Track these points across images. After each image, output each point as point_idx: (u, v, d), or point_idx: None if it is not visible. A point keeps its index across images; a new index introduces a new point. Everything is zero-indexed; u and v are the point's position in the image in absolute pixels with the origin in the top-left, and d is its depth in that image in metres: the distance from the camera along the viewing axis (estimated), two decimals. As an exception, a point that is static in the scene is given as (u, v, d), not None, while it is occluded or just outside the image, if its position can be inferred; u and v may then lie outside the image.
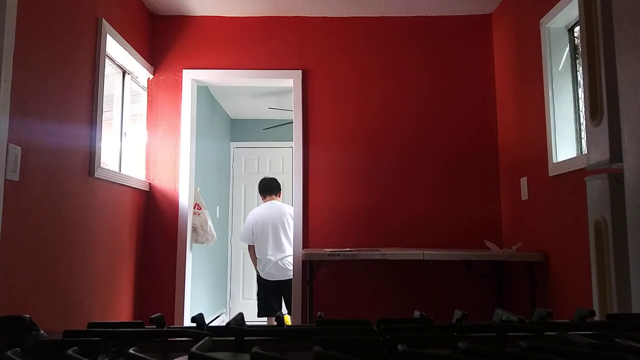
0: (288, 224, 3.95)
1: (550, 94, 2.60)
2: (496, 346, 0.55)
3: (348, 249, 2.97)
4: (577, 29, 2.60)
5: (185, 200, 3.33)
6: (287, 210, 4.01)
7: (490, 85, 3.44)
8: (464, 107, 3.43)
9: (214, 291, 5.28)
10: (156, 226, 3.31)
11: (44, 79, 2.07)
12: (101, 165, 2.61)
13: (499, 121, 3.37)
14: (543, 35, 2.67)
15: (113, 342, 0.52)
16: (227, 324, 0.58)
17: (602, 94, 1.09)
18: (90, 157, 2.48)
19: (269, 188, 4.12)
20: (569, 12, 2.49)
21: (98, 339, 0.47)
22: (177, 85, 3.43)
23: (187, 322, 3.26)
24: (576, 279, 2.36)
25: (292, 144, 3.46)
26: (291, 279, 3.78)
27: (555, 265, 2.57)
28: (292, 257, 3.68)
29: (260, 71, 3.46)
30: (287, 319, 3.74)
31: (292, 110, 3.51)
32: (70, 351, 0.42)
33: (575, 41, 2.62)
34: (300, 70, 3.45)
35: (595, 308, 1.26)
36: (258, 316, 3.98)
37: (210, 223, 3.72)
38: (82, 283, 2.41)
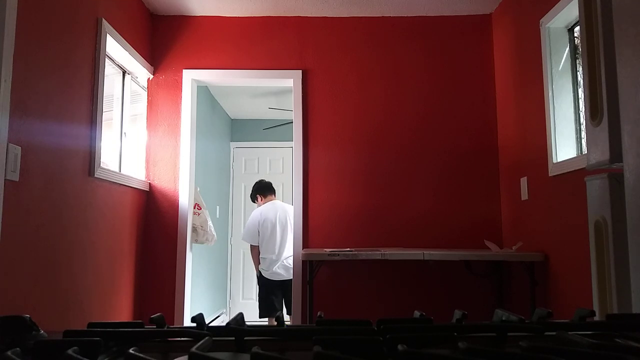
0: (291, 223, 3.90)
1: (550, 94, 2.60)
2: (496, 346, 0.55)
3: (348, 249, 2.97)
4: (577, 29, 2.60)
5: (185, 200, 3.33)
6: (289, 209, 3.98)
7: (490, 85, 3.44)
8: (464, 107, 3.43)
9: (214, 291, 5.28)
10: (156, 226, 3.31)
11: (44, 79, 2.07)
12: (101, 165, 2.61)
13: (499, 121, 3.37)
14: (543, 35, 2.67)
15: (113, 342, 0.52)
16: (227, 324, 0.58)
17: (602, 94, 1.09)
18: (90, 157, 2.48)
19: (268, 188, 4.11)
20: (569, 12, 2.49)
21: (98, 339, 0.47)
22: (177, 85, 3.43)
23: (187, 322, 3.25)
24: (576, 279, 2.36)
25: (292, 144, 3.46)
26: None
27: (555, 265, 2.57)
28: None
29: (260, 71, 3.46)
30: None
31: (292, 110, 3.51)
32: (70, 351, 0.42)
33: (575, 41, 2.62)
34: (300, 70, 3.45)
35: (595, 308, 1.26)
36: (260, 317, 3.95)
37: (210, 223, 3.72)
38: (82, 283, 2.41)
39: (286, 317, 3.87)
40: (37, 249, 2.01)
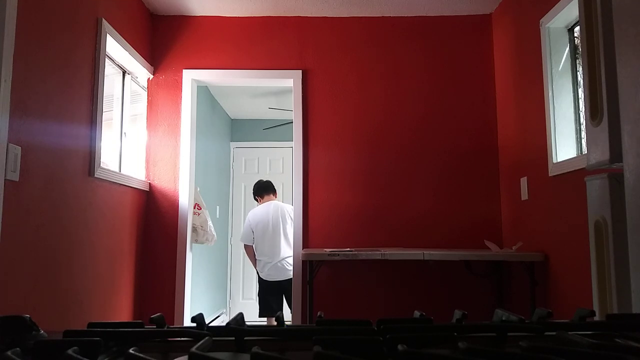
0: (288, 223, 3.92)
1: (550, 94, 2.60)
2: (496, 346, 0.55)
3: (348, 249, 2.97)
4: (577, 29, 2.60)
5: (185, 200, 3.33)
6: (287, 209, 3.98)
7: (490, 85, 3.44)
8: (464, 107, 3.43)
9: (214, 291, 5.28)
10: (156, 226, 3.31)
11: (44, 79, 2.07)
12: (101, 165, 2.61)
13: (499, 121, 3.37)
14: (543, 35, 2.67)
15: (113, 342, 0.52)
16: (227, 324, 0.58)
17: (602, 94, 1.09)
18: (90, 157, 2.48)
19: (266, 188, 4.08)
20: (569, 12, 2.49)
21: (98, 339, 0.47)
22: (177, 85, 3.43)
23: (187, 322, 3.25)
24: (576, 279, 2.36)
25: (292, 144, 3.46)
26: (291, 278, 3.79)
27: (555, 265, 2.57)
28: (292, 257, 3.66)
29: (260, 71, 3.46)
30: None
31: (292, 110, 3.51)
32: (70, 351, 0.42)
33: (575, 41, 2.62)
34: (300, 70, 3.45)
35: (595, 308, 1.26)
36: (259, 316, 3.96)
37: (210, 223, 3.72)
38: (82, 283, 2.41)
39: (288, 316, 3.83)
40: (37, 249, 2.01)
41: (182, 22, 3.48)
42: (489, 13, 3.49)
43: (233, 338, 0.55)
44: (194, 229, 3.55)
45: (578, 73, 2.59)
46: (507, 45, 3.21)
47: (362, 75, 3.46)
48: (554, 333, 0.57)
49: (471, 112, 3.42)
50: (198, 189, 3.75)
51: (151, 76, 3.41)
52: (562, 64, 2.62)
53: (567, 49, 2.63)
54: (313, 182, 3.37)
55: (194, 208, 3.57)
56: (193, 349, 0.42)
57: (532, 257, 2.68)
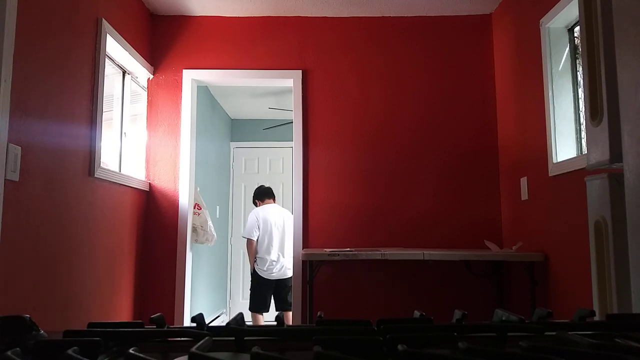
0: (288, 226, 4.08)
1: (550, 94, 2.60)
2: (496, 346, 0.55)
3: (348, 249, 2.97)
4: (577, 29, 2.60)
5: (185, 200, 3.33)
6: (287, 214, 4.15)
7: (490, 85, 3.44)
8: (464, 107, 3.43)
9: (214, 291, 5.28)
10: (156, 226, 3.31)
11: (44, 79, 2.07)
12: (101, 165, 2.61)
13: (499, 121, 3.38)
14: (543, 35, 2.67)
15: (113, 342, 0.52)
16: (227, 324, 0.58)
17: (602, 94, 1.09)
18: (90, 157, 2.48)
19: (265, 193, 4.23)
20: (569, 12, 2.49)
21: (98, 339, 0.47)
22: (177, 85, 3.43)
23: (187, 322, 3.26)
24: (576, 279, 2.36)
25: (292, 144, 3.46)
26: (289, 277, 3.96)
27: (555, 265, 2.57)
28: (291, 258, 3.79)
29: (260, 71, 3.46)
30: (290, 317, 3.86)
31: (292, 110, 3.51)
32: (70, 351, 0.42)
33: (575, 41, 2.62)
34: (300, 70, 3.45)
35: (595, 308, 1.26)
36: (250, 309, 4.05)
37: (210, 223, 3.73)
38: (82, 283, 2.41)
39: (275, 313, 3.93)
40: (37, 249, 2.01)
41: (182, 22, 3.48)
42: (489, 13, 3.49)
43: (233, 338, 0.55)
44: (194, 229, 3.55)
45: (578, 73, 2.59)
46: (507, 45, 3.21)
47: (362, 75, 3.46)
48: (554, 333, 0.57)
49: (471, 112, 3.42)
50: (198, 189, 3.75)
51: (151, 76, 3.41)
52: (562, 64, 2.62)
53: (567, 49, 2.63)
54: (313, 182, 3.37)
55: (194, 208, 3.57)
56: (193, 349, 0.42)
57: (532, 257, 2.68)
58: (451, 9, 3.41)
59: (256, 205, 4.27)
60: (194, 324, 0.58)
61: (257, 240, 4.06)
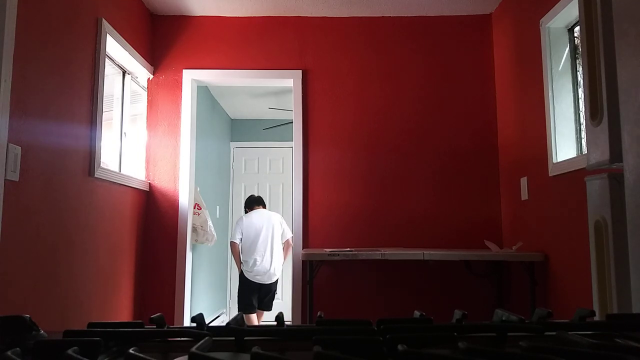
0: (277, 231, 4.15)
1: (550, 94, 2.60)
2: (496, 346, 0.55)
3: (348, 249, 2.97)
4: (577, 29, 2.60)
5: (185, 200, 3.33)
6: (275, 218, 4.20)
7: (490, 85, 3.44)
8: (464, 107, 3.43)
9: (214, 291, 5.28)
10: (156, 226, 3.31)
11: (44, 79, 2.07)
12: (101, 165, 2.61)
13: (499, 121, 3.38)
14: (543, 35, 2.67)
15: (113, 342, 0.52)
16: (227, 324, 0.58)
17: (602, 94, 1.09)
18: (90, 157, 2.48)
19: (256, 201, 4.32)
20: (569, 12, 2.49)
21: (98, 339, 0.47)
22: (177, 85, 3.43)
23: (187, 322, 3.26)
24: (576, 279, 2.36)
25: (292, 144, 3.46)
26: (273, 282, 4.12)
27: (555, 265, 2.57)
28: (275, 261, 4.04)
29: (260, 71, 3.46)
30: (262, 315, 4.16)
31: (292, 110, 3.51)
32: (70, 351, 0.42)
33: (575, 41, 2.62)
34: (300, 70, 3.45)
35: (595, 308, 1.26)
36: (239, 311, 4.04)
37: (210, 223, 3.73)
38: (82, 283, 2.41)
39: (274, 313, 4.10)
40: (37, 249, 2.01)
41: (182, 22, 3.48)
42: (489, 13, 3.49)
43: (233, 338, 0.55)
44: (194, 229, 3.55)
45: (578, 73, 2.59)
46: (507, 45, 3.21)
47: (362, 75, 3.46)
48: (554, 333, 0.57)
49: (471, 112, 3.42)
50: (198, 189, 3.75)
51: (151, 76, 3.41)
52: (562, 64, 2.62)
53: (567, 49, 2.63)
54: (313, 182, 3.37)
55: (194, 208, 3.57)
56: (193, 349, 0.42)
57: (532, 257, 2.68)
58: (451, 9, 3.41)
59: (245, 212, 4.36)
60: (194, 324, 0.58)
61: (241, 243, 4.13)
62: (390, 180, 3.37)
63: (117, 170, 3.02)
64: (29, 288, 1.97)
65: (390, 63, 3.47)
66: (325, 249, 3.03)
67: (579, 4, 1.20)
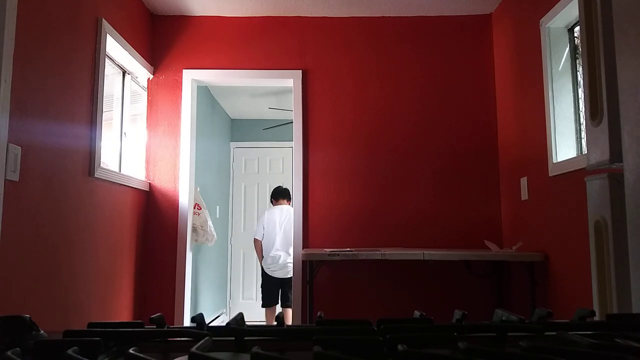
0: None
1: (550, 94, 2.60)
2: (496, 346, 0.55)
3: (348, 249, 2.97)
4: (577, 29, 2.60)
5: (185, 200, 3.33)
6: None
7: (490, 85, 3.44)
8: (464, 107, 3.43)
9: (214, 291, 5.28)
10: (156, 226, 3.31)
11: (44, 79, 2.07)
12: (101, 165, 2.61)
13: (499, 121, 3.38)
14: (543, 35, 2.67)
15: (113, 342, 0.52)
16: (227, 324, 0.58)
17: (602, 94, 1.09)
18: (90, 157, 2.48)
19: (279, 194, 4.46)
20: (569, 12, 2.49)
21: (98, 339, 0.47)
22: (177, 85, 3.43)
23: (187, 322, 3.26)
24: (576, 279, 2.36)
25: (292, 144, 3.46)
26: (292, 277, 4.02)
27: (555, 265, 2.57)
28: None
29: (260, 71, 3.46)
30: (290, 314, 4.13)
31: (292, 110, 3.51)
32: (70, 351, 0.42)
33: (575, 41, 2.62)
34: (300, 70, 3.45)
35: (595, 308, 1.26)
36: (262, 306, 4.37)
37: (210, 223, 3.73)
38: (82, 283, 2.41)
39: (279, 309, 4.35)
40: (37, 249, 2.01)
41: (182, 22, 3.48)
42: (489, 13, 3.49)
43: (233, 338, 0.55)
44: (194, 229, 3.55)
45: (578, 73, 2.59)
46: (507, 45, 3.21)
47: (362, 75, 3.46)
48: (554, 333, 0.57)
49: (471, 112, 3.42)
50: (198, 189, 3.76)
51: (151, 76, 3.41)
52: (562, 64, 2.62)
53: (567, 49, 2.63)
54: (313, 182, 3.37)
55: (194, 208, 3.57)
56: (193, 349, 0.42)
57: (532, 257, 2.68)
58: (451, 9, 3.41)
59: (272, 205, 4.50)
60: (194, 324, 0.58)
61: (263, 239, 4.30)
62: (390, 180, 3.37)
63: (117, 170, 3.02)
64: (29, 288, 1.97)
65: (391, 63, 3.47)
66: (325, 249, 3.03)
67: (579, 4, 1.20)
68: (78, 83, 2.39)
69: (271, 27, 3.49)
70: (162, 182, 3.35)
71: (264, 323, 4.49)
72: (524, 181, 2.93)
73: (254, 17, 3.49)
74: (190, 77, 3.43)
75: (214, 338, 0.52)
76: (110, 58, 2.95)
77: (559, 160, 2.54)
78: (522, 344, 0.47)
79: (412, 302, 3.23)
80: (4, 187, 1.76)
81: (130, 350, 0.42)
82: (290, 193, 4.44)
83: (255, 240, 4.37)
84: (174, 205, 3.34)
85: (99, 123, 2.57)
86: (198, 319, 0.57)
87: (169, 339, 0.56)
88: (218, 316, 5.37)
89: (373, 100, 3.44)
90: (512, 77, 3.14)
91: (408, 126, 3.42)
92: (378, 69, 3.46)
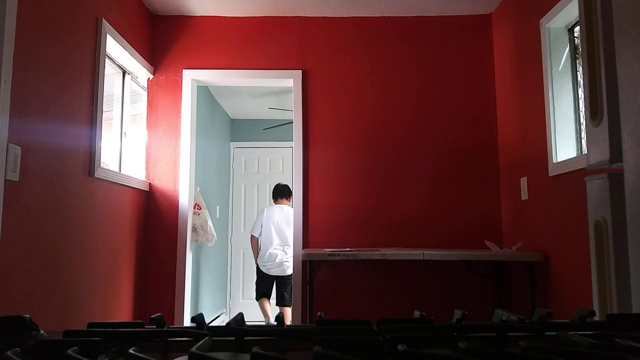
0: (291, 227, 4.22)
1: (550, 94, 2.60)
2: (496, 346, 0.55)
3: (348, 249, 2.97)
4: (577, 29, 2.60)
5: (185, 200, 3.33)
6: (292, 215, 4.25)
7: (490, 85, 3.44)
8: (464, 107, 3.43)
9: (214, 291, 5.28)
10: (156, 226, 3.31)
11: (44, 79, 2.07)
12: (101, 165, 2.61)
13: (499, 121, 3.38)
14: (543, 35, 2.67)
15: (113, 342, 0.52)
16: (227, 324, 0.58)
17: (602, 94, 1.09)
18: (90, 157, 2.48)
19: (280, 192, 4.49)
20: (569, 12, 2.49)
21: (98, 339, 0.47)
22: (177, 85, 3.43)
23: (187, 322, 3.26)
24: (576, 279, 2.36)
25: (292, 144, 3.46)
26: (289, 275, 4.25)
27: (555, 265, 2.57)
28: (289, 255, 4.21)
29: (260, 71, 3.46)
30: (288, 313, 4.21)
31: (292, 110, 3.51)
32: (70, 351, 0.42)
33: (575, 41, 2.62)
34: (300, 70, 3.45)
35: (595, 308, 1.26)
36: (256, 299, 4.47)
37: (210, 223, 3.73)
38: (82, 283, 2.41)
39: (275, 308, 4.44)
40: (37, 249, 2.01)
41: (182, 22, 3.48)
42: (489, 13, 3.49)
43: (233, 338, 0.55)
44: (194, 229, 3.55)
45: (578, 73, 2.59)
46: (507, 45, 3.21)
47: (362, 75, 3.46)
48: (554, 333, 0.57)
49: (471, 112, 3.42)
50: (198, 189, 3.76)
51: (151, 76, 3.41)
52: (562, 64, 2.62)
53: (567, 49, 2.63)
54: (313, 182, 3.37)
55: (194, 208, 3.57)
56: (193, 349, 0.42)
57: (532, 257, 2.68)
58: (451, 9, 3.41)
59: (275, 203, 4.54)
60: (194, 324, 0.58)
61: (260, 237, 4.34)
62: (390, 179, 3.37)
63: (117, 170, 3.02)
64: (29, 288, 1.97)
65: (391, 63, 3.47)
66: (325, 249, 3.03)
67: (579, 4, 1.20)
68: (78, 83, 2.39)
69: (271, 27, 3.49)
70: (162, 182, 3.35)
71: (264, 323, 4.50)
72: (524, 181, 2.93)
73: (253, 17, 3.49)
74: (190, 77, 3.43)
75: (214, 338, 0.52)
76: (110, 58, 2.95)
77: (559, 160, 2.54)
78: (522, 344, 0.47)
79: (412, 302, 3.23)
80: (4, 187, 1.76)
81: (130, 350, 0.42)
82: (291, 189, 4.44)
83: (252, 237, 4.41)
84: (174, 205, 3.34)
85: (99, 123, 2.57)
86: (198, 319, 0.57)
87: (169, 339, 0.56)
88: (218, 316, 5.37)
89: (373, 100, 3.44)
90: (512, 77, 3.14)
91: (408, 126, 3.42)
92: (378, 69, 3.46)
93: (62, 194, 2.21)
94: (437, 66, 3.46)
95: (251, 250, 4.61)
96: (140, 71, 3.27)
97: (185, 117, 3.40)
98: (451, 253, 2.80)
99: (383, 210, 3.35)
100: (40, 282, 2.04)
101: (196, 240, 3.60)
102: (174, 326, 0.62)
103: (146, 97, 3.43)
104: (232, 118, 6.28)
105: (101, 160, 2.61)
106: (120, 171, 3.04)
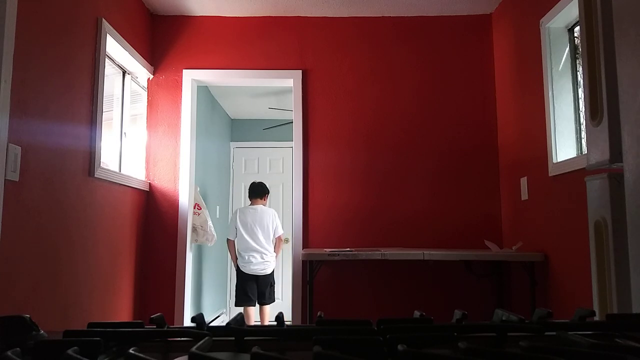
0: (268, 225, 4.25)
1: (550, 94, 2.60)
2: (496, 346, 0.55)
3: (348, 249, 2.97)
4: (577, 29, 2.60)
5: (185, 200, 3.33)
6: (268, 215, 4.29)
7: (490, 85, 3.44)
8: (464, 107, 3.43)
9: (214, 291, 5.28)
10: (156, 226, 3.31)
11: (44, 79, 2.07)
12: (101, 165, 2.61)
13: (499, 121, 3.38)
14: (543, 35, 2.67)
15: (113, 342, 0.52)
16: (227, 324, 0.58)
17: (602, 94, 1.09)
18: (90, 157, 2.48)
19: (254, 191, 4.36)
20: (569, 12, 2.49)
21: (98, 339, 0.47)
22: (177, 85, 3.43)
23: (187, 322, 3.25)
24: (576, 279, 2.36)
25: (292, 144, 3.46)
26: (269, 274, 4.24)
27: (555, 265, 2.57)
28: (269, 255, 4.19)
29: (260, 71, 3.46)
30: (267, 312, 4.26)
31: (292, 110, 3.51)
32: (70, 351, 0.42)
33: (575, 41, 2.62)
34: (300, 70, 3.45)
35: (595, 308, 1.26)
36: (236, 305, 4.29)
37: (210, 223, 3.73)
38: (82, 283, 2.41)
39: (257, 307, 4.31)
40: (37, 249, 2.01)
41: (182, 22, 3.48)
42: (489, 13, 3.49)
43: (233, 338, 0.55)
44: (194, 229, 3.55)
45: (578, 73, 2.59)
46: (507, 45, 3.21)
47: (362, 75, 3.46)
48: (554, 333, 0.57)
49: (471, 112, 3.42)
50: (198, 189, 3.76)
51: (151, 76, 3.41)
52: (562, 64, 2.62)
53: (567, 49, 2.63)
54: (313, 182, 3.37)
55: (194, 208, 3.57)
56: (193, 349, 0.42)
57: (532, 257, 2.68)
58: (451, 9, 3.41)
59: (250, 202, 4.42)
60: (194, 324, 0.58)
61: (236, 239, 4.24)
62: (390, 179, 3.37)
63: (117, 170, 3.02)
64: (29, 288, 1.97)
65: (391, 63, 3.47)
66: (325, 249, 3.03)
67: (579, 4, 1.20)
68: (78, 83, 2.39)
69: (271, 27, 3.49)
70: (162, 182, 3.35)
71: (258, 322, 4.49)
72: (524, 181, 2.93)
73: (253, 17, 3.49)
74: (190, 77, 3.43)
75: (214, 338, 0.52)
76: (110, 58, 2.95)
77: (559, 160, 2.54)
78: (522, 344, 0.47)
79: (412, 302, 3.23)
80: (4, 187, 1.76)
81: (130, 350, 0.42)
82: (267, 187, 4.41)
83: (228, 241, 4.28)
84: (174, 205, 3.34)
85: (99, 123, 2.57)
86: (198, 319, 0.57)
87: (169, 339, 0.56)
88: (218, 316, 5.37)
89: (373, 99, 3.44)
90: (512, 77, 3.14)
91: (408, 126, 3.42)
92: (378, 69, 3.46)
93: (62, 194, 2.21)
94: (437, 66, 3.46)
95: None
96: (140, 71, 3.27)
97: (185, 117, 3.40)
98: (451, 253, 2.80)
99: (383, 210, 3.35)
100: (40, 282, 2.04)
101: (196, 240, 3.60)
102: (174, 326, 0.62)
103: (146, 97, 3.43)
104: (232, 118, 6.28)
105: (101, 160, 2.61)
106: (120, 171, 3.04)
